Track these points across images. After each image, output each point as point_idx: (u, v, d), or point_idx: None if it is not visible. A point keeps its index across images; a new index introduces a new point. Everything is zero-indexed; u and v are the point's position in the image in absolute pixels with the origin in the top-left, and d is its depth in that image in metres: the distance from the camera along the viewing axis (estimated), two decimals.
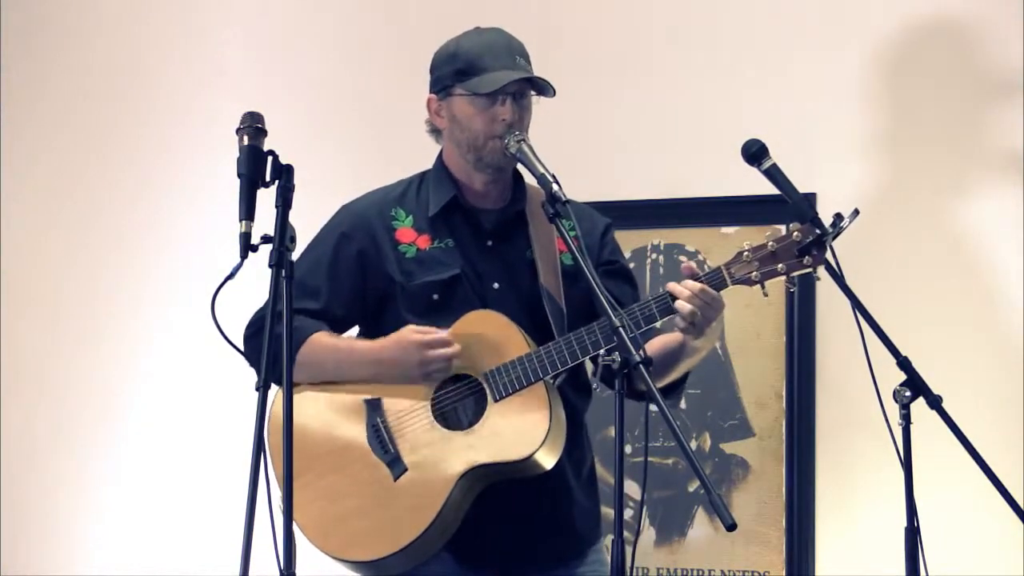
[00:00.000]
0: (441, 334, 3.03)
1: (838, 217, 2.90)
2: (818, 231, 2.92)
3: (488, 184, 3.17)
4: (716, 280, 2.98)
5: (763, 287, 2.98)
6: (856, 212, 2.88)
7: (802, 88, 4.18)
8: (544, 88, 3.10)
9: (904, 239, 4.06)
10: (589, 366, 3.17)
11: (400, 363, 3.05)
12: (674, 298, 2.96)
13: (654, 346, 3.08)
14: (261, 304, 3.09)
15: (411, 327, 3.05)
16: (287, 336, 2.55)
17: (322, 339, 3.10)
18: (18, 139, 4.96)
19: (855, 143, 4.14)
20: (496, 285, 3.15)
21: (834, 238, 2.92)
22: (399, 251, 3.15)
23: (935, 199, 4.05)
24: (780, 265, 2.96)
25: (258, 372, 2.86)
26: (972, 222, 4.01)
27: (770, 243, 2.97)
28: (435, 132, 3.22)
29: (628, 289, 3.22)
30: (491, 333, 3.05)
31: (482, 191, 3.18)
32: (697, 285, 2.95)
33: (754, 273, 2.97)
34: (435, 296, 3.12)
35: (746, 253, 2.98)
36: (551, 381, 3.03)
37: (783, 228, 3.02)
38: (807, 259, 2.94)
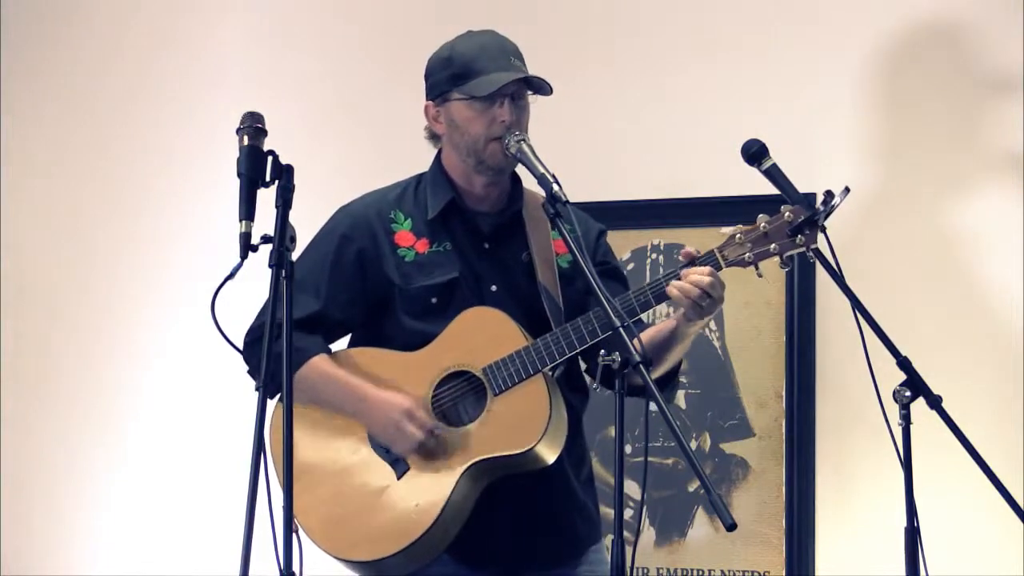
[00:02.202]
0: (431, 423, 3.03)
1: (829, 195, 2.90)
2: (810, 210, 2.93)
3: (487, 186, 3.17)
4: (710, 263, 2.99)
5: (757, 268, 2.99)
6: (847, 190, 2.89)
7: (802, 88, 4.18)
8: (541, 87, 3.10)
9: (904, 239, 4.06)
10: (583, 364, 3.17)
11: (380, 413, 3.05)
12: (668, 283, 2.96)
13: (645, 336, 3.08)
14: (261, 307, 3.10)
15: (406, 396, 3.05)
16: (287, 339, 2.55)
17: (321, 365, 3.10)
18: (18, 140, 4.96)
19: (855, 143, 4.14)
20: (494, 288, 3.15)
21: (826, 217, 2.93)
22: (398, 254, 3.15)
23: (935, 199, 4.05)
24: (773, 245, 2.97)
25: (256, 379, 2.87)
26: (972, 222, 4.01)
27: (762, 224, 2.98)
28: (433, 138, 3.22)
29: (620, 289, 3.21)
30: (488, 329, 3.06)
31: (481, 194, 3.18)
32: (705, 279, 2.94)
33: (747, 255, 2.98)
34: (433, 299, 3.12)
35: (739, 235, 2.99)
36: (550, 374, 3.04)
37: None
38: (799, 238, 2.95)
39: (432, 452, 3.03)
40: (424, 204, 3.19)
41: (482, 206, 3.19)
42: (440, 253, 3.15)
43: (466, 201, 3.18)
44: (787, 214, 2.96)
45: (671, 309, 3.07)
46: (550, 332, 3.03)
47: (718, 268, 2.99)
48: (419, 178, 3.25)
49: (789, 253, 2.97)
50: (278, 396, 2.88)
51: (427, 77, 3.19)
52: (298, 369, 3.03)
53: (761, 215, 2.99)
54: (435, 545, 3.02)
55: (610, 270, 3.24)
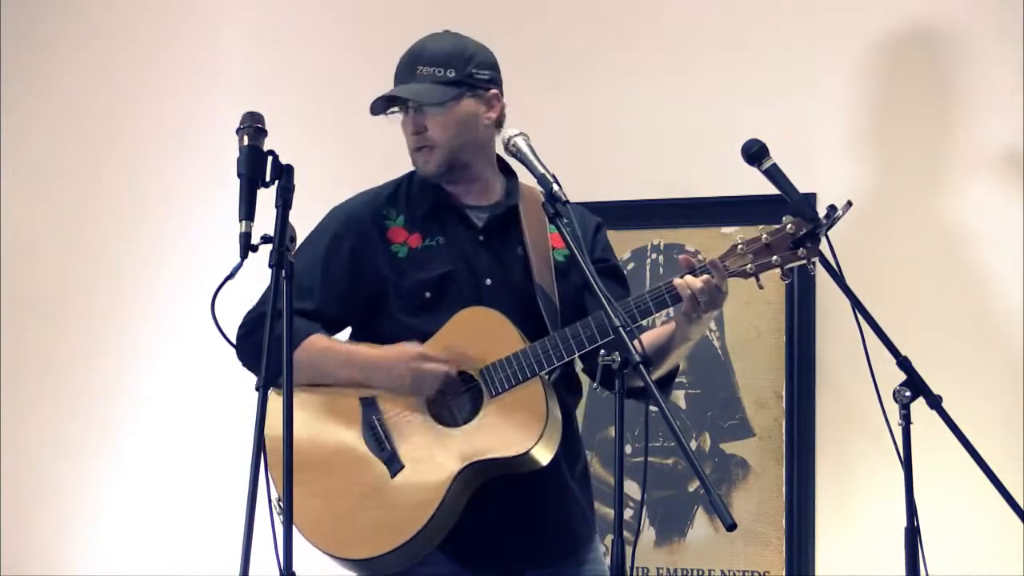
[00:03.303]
0: (447, 357, 3.04)
1: (832, 208, 2.90)
2: (811, 223, 2.93)
3: (457, 186, 3.19)
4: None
5: (758, 279, 2.99)
6: (849, 204, 2.89)
7: (802, 88, 4.18)
8: (405, 101, 3.16)
9: (904, 239, 4.06)
10: (580, 363, 3.17)
11: (393, 370, 3.05)
12: (670, 289, 2.96)
13: (646, 338, 3.09)
14: (257, 300, 3.10)
15: (413, 342, 3.06)
16: (286, 338, 2.55)
17: (318, 342, 3.10)
18: (17, 139, 4.96)
19: (855, 143, 4.14)
20: (488, 281, 3.15)
21: (828, 229, 2.92)
22: (391, 250, 3.15)
23: (935, 199, 4.05)
24: (775, 257, 2.96)
25: (254, 373, 2.86)
26: (972, 221, 4.01)
27: (764, 235, 2.98)
28: None
29: (618, 288, 3.22)
30: (486, 329, 3.06)
31: (461, 190, 3.19)
32: (699, 283, 2.95)
33: (749, 266, 2.97)
34: (427, 294, 3.12)
35: (740, 246, 2.99)
36: (547, 377, 3.04)
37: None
38: (801, 251, 2.95)
39: (427, 452, 3.03)
40: (415, 201, 3.20)
41: (473, 200, 3.20)
42: (433, 247, 3.15)
43: (453, 198, 3.19)
44: (789, 226, 2.95)
45: (671, 311, 3.06)
46: (548, 336, 3.03)
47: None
48: (411, 175, 3.26)
49: (790, 265, 2.97)
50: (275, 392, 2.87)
51: None
52: (295, 350, 3.03)
53: (762, 227, 2.98)
54: (427, 543, 3.02)
55: (608, 268, 3.24)
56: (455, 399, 3.07)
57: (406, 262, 3.14)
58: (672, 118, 4.30)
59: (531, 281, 3.12)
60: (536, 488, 3.07)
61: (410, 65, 3.17)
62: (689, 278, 2.96)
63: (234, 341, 2.77)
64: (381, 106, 3.18)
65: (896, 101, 4.13)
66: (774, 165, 3.02)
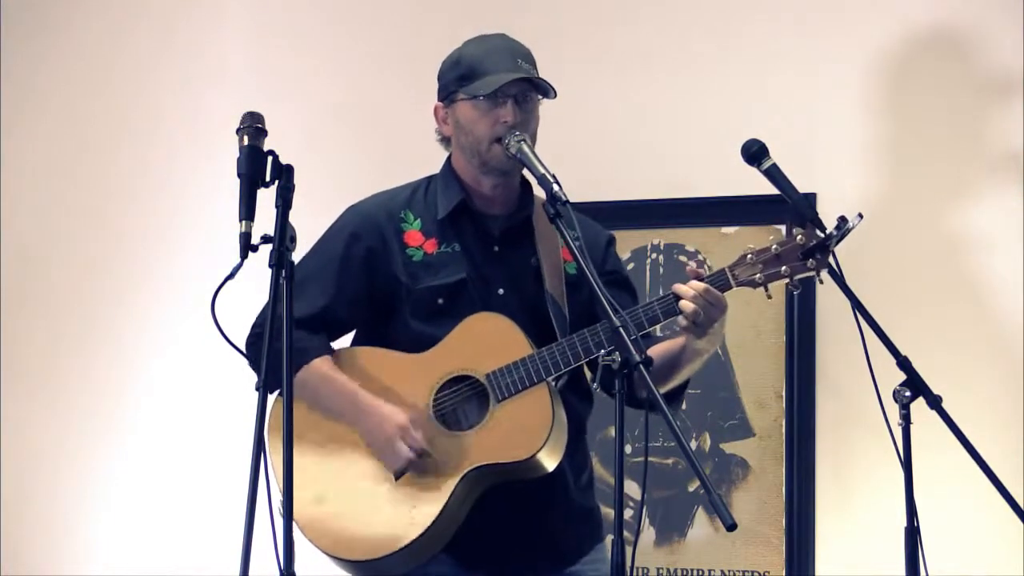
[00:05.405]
0: (423, 444, 3.00)
1: (842, 220, 2.89)
2: (822, 235, 2.92)
3: (495, 188, 3.16)
4: (720, 282, 2.99)
5: (767, 289, 2.98)
6: (860, 216, 2.89)
7: (802, 88, 4.18)
8: (545, 89, 3.10)
9: (904, 239, 4.06)
10: (589, 373, 3.17)
11: (376, 425, 3.03)
12: (678, 298, 2.96)
13: (655, 351, 3.08)
14: (263, 305, 3.09)
15: (414, 418, 3.04)
16: (287, 339, 2.55)
17: (321, 368, 3.10)
18: (17, 139, 4.96)
19: (855, 143, 4.14)
20: (501, 291, 3.14)
21: (839, 242, 2.92)
22: (407, 254, 3.15)
23: (935, 199, 4.05)
24: (784, 268, 2.96)
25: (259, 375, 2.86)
26: (972, 223, 4.01)
27: (774, 246, 2.97)
28: (444, 140, 3.21)
29: (628, 299, 3.20)
30: (493, 335, 3.05)
31: (490, 196, 3.17)
32: (701, 285, 2.96)
33: (758, 275, 2.98)
34: (440, 300, 3.11)
35: (750, 256, 2.99)
36: (553, 383, 3.03)
37: (783, 228, 3.02)
38: (811, 262, 2.95)
39: (432, 456, 3.02)
40: (434, 205, 3.18)
41: (491, 208, 3.19)
42: (448, 254, 3.14)
43: (476, 203, 3.18)
44: (799, 237, 2.95)
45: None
46: (556, 342, 3.03)
47: (728, 287, 3.00)
48: (429, 180, 3.25)
49: (799, 276, 2.97)
50: (277, 392, 2.87)
51: (438, 79, 3.19)
52: (299, 370, 3.03)
53: (773, 237, 2.98)
54: (431, 546, 3.02)
55: (618, 279, 3.24)
56: (462, 403, 3.07)
57: (420, 267, 3.13)
58: (672, 118, 4.30)
59: (543, 292, 3.12)
60: (539, 495, 3.07)
61: (512, 57, 3.10)
62: (685, 289, 2.95)
63: (235, 342, 2.76)
64: (511, 88, 3.06)
65: (897, 102, 4.13)
66: (774, 165, 3.03)
